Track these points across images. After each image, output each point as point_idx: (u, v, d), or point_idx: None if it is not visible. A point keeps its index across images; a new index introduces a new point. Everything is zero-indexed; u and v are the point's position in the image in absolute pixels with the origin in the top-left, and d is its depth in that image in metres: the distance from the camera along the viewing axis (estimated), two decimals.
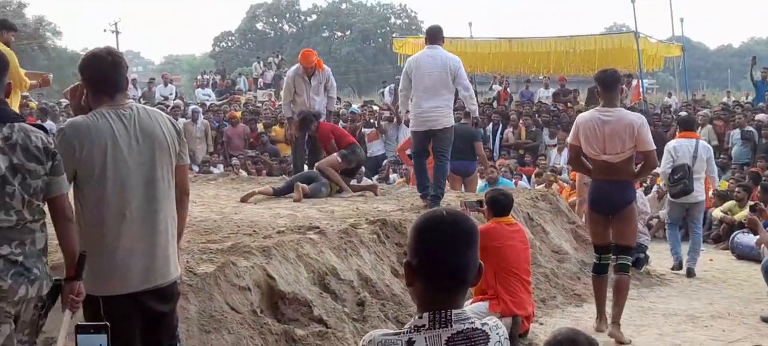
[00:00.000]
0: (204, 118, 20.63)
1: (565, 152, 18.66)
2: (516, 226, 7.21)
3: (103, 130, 4.07)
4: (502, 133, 20.26)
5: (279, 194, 10.45)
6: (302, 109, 11.57)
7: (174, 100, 25.60)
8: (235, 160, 18.05)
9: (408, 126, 10.54)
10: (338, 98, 27.56)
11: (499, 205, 7.10)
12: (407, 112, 10.06)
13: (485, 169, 13.88)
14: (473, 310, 6.60)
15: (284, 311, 6.39)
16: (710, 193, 13.66)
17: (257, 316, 6.08)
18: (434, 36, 9.64)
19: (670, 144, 11.35)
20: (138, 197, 4.12)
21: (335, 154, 10.92)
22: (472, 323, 2.46)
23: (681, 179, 10.88)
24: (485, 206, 7.27)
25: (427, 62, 9.32)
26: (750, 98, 23.99)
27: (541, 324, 7.92)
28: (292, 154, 13.02)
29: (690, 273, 10.90)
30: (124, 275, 4.11)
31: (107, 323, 2.87)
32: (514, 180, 15.51)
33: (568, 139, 7.86)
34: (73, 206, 4.15)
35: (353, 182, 11.46)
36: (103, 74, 4.18)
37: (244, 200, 10.08)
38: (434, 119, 9.34)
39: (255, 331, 5.95)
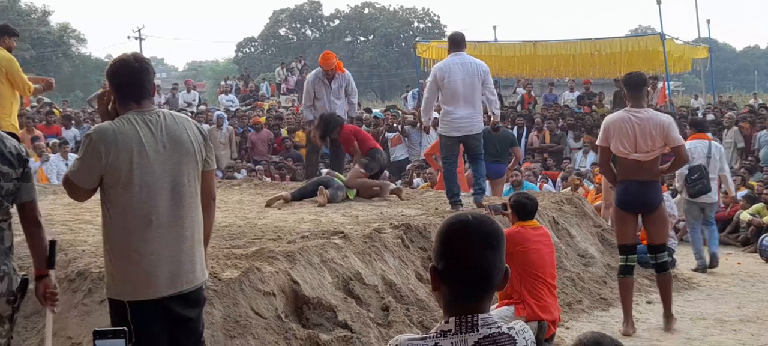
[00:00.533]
0: (228, 125, 20.70)
1: (591, 156, 18.65)
2: (541, 229, 7.15)
3: (129, 136, 4.07)
4: (526, 137, 20.19)
5: (295, 199, 10.49)
6: (323, 112, 11.57)
7: (198, 106, 25.69)
8: (258, 166, 18.09)
9: (427, 133, 10.57)
10: (359, 103, 27.66)
11: (524, 208, 7.05)
12: (428, 119, 10.20)
13: (510, 173, 13.93)
14: (498, 314, 6.55)
15: (309, 316, 6.38)
16: (734, 192, 13.67)
17: (282, 321, 6.08)
18: (459, 43, 9.79)
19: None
20: (164, 202, 4.13)
21: (356, 166, 11.00)
22: (498, 327, 2.44)
23: (699, 179, 11.17)
24: (510, 210, 7.23)
25: (458, 70, 9.46)
26: None
27: (567, 328, 7.87)
28: (306, 159, 13.07)
29: (713, 259, 11.23)
30: (151, 281, 4.11)
31: (125, 328, 2.86)
32: (539, 184, 15.46)
33: (598, 142, 7.96)
34: (101, 211, 4.19)
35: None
36: (130, 80, 4.19)
37: (268, 204, 10.11)
38: (470, 126, 9.56)
39: (280, 336, 5.94)
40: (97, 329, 2.86)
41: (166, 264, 4.13)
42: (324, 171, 12.53)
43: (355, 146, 11.11)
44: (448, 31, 61.27)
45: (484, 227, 2.48)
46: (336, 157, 11.88)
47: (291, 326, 6.09)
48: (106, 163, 4.04)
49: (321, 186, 10.39)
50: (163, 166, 4.13)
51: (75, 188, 4.17)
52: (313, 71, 12.35)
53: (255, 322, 5.88)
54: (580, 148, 19.17)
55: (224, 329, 5.70)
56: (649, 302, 9.09)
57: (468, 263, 2.44)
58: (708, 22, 28.41)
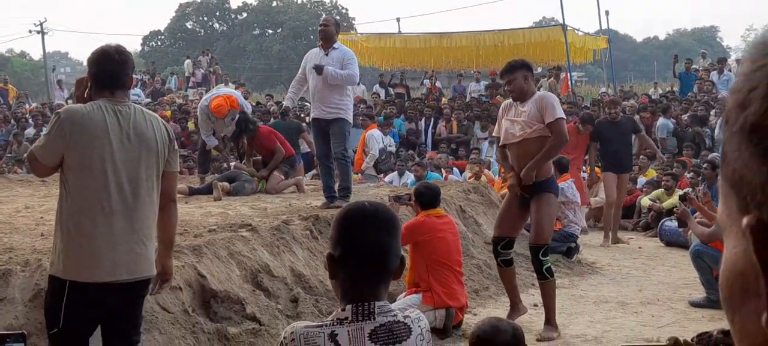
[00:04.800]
0: None
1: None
2: (446, 218, 7.25)
3: (96, 121, 4.20)
4: (434, 128, 20.34)
5: (194, 193, 10.42)
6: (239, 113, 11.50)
7: None
8: None
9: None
10: (270, 95, 27.47)
11: (427, 197, 7.15)
12: None
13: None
14: (406, 302, 6.64)
15: (216, 310, 6.35)
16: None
17: (189, 315, 6.03)
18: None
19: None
20: (119, 191, 4.22)
21: (276, 172, 11.02)
22: (394, 315, 2.48)
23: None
24: (413, 200, 7.31)
25: None
26: (676, 89, 24.51)
27: (474, 315, 7.96)
28: (198, 155, 13.02)
29: None
30: (93, 264, 4.17)
31: (24, 332, 2.80)
32: (444, 174, 15.58)
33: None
34: (59, 191, 4.31)
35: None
36: (107, 70, 4.34)
37: None
38: None
39: (187, 330, 5.90)
40: None
41: (111, 252, 4.19)
42: (232, 164, 12.48)
43: (278, 146, 11.09)
44: (357, 24, 61.50)
45: (380, 213, 2.55)
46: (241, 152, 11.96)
47: (198, 321, 6.05)
48: (68, 142, 4.17)
49: (216, 181, 10.41)
50: (124, 157, 4.24)
51: (37, 163, 4.29)
52: (205, 109, 11.94)
53: (161, 317, 5.83)
54: (486, 139, 19.39)
55: None
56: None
57: (364, 248, 2.48)
58: (606, 13, 29.02)
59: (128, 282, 4.28)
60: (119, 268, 4.22)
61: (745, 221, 0.78)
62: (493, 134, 7.91)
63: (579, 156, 13.32)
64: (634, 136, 13.05)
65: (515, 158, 7.26)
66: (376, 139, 13.44)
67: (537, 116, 7.08)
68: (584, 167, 14.12)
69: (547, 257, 7.37)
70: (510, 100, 7.44)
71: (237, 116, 11.55)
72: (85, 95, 4.42)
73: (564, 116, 7.31)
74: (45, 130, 4.33)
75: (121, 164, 4.23)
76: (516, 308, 7.63)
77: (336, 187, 9.25)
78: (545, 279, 7.32)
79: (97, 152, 4.18)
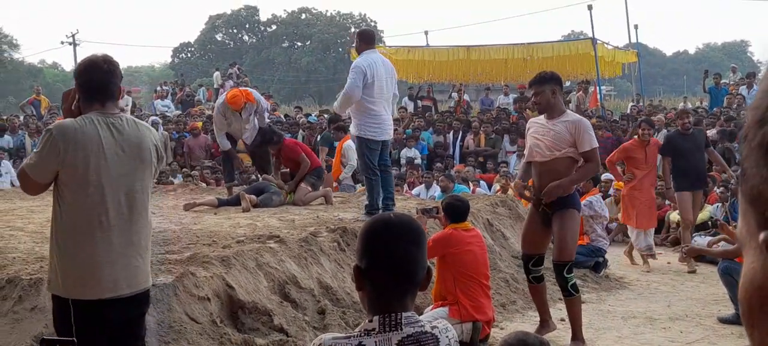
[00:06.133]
0: (163, 130, 20.50)
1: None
2: (473, 231, 7.23)
3: (90, 136, 4.12)
4: (462, 141, 20.33)
5: (223, 205, 10.47)
6: (262, 127, 11.51)
7: (131, 111, 25.35)
8: (194, 172, 17.96)
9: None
10: (299, 107, 27.56)
11: (456, 211, 7.13)
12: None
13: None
14: (433, 315, 6.62)
15: (244, 321, 6.38)
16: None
17: (217, 326, 6.06)
18: (373, 39, 9.45)
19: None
20: (116, 205, 4.18)
21: (303, 184, 11.01)
22: (421, 326, 2.49)
23: None
24: (442, 213, 7.31)
25: (383, 67, 8.96)
26: (705, 103, 24.35)
27: (501, 329, 7.95)
28: (222, 165, 13.00)
29: None
30: (96, 281, 4.14)
31: (74, 339, 2.84)
32: (471, 187, 15.56)
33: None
34: (52, 207, 4.22)
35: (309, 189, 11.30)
36: (96, 81, 4.25)
37: (186, 208, 10.08)
38: (390, 128, 9.28)
39: (214, 341, 5.93)
40: (45, 338, 2.82)
41: (111, 267, 4.17)
42: (260, 176, 12.54)
43: (303, 157, 11.10)
44: (385, 37, 61.56)
45: (406, 225, 2.56)
46: (262, 164, 11.93)
47: (226, 331, 6.08)
48: (63, 159, 4.09)
49: (243, 192, 10.45)
50: (120, 170, 4.19)
51: (29, 180, 4.20)
52: (221, 102, 11.79)
53: (190, 327, 5.86)
54: (514, 152, 19.34)
55: (158, 335, 5.67)
56: (582, 302, 9.23)
57: (390, 260, 2.49)
58: (635, 27, 28.95)
59: (129, 296, 4.26)
60: (119, 283, 4.20)
61: (762, 236, 0.77)
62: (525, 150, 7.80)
63: (651, 171, 12.06)
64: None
65: (538, 175, 7.28)
66: (353, 150, 13.67)
67: (568, 140, 7.08)
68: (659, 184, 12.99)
69: (572, 274, 7.34)
70: (538, 116, 7.45)
71: (254, 111, 11.52)
72: (73, 108, 4.32)
73: (597, 144, 7.28)
74: (37, 147, 4.23)
75: (117, 178, 4.17)
76: (546, 324, 7.60)
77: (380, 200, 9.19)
78: (571, 296, 7.31)
79: (92, 168, 4.11)
